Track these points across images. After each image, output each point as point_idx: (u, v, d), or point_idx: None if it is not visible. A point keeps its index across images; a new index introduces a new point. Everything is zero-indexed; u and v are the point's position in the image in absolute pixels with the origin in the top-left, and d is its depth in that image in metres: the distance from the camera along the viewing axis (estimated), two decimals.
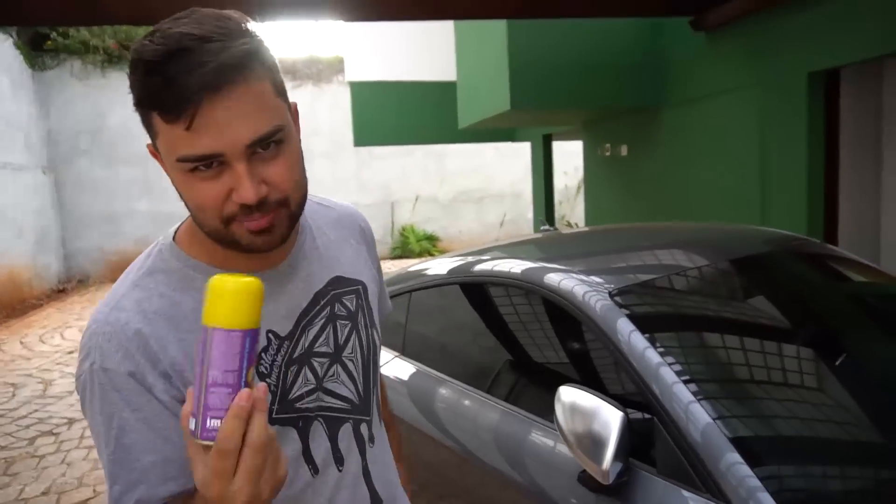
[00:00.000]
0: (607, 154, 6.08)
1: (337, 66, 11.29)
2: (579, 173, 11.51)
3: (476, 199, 12.84)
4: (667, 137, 5.20)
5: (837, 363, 1.66)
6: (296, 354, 0.83)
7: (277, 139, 0.71)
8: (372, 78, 7.86)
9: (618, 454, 1.14)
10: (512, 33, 4.89)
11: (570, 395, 1.26)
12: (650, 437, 1.22)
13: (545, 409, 1.44)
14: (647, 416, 1.26)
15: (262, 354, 0.79)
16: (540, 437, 1.49)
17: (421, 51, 7.68)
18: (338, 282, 0.90)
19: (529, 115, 5.86)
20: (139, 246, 10.81)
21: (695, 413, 1.20)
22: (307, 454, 0.84)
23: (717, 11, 4.30)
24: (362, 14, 4.18)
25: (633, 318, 1.41)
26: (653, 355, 1.32)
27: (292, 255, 0.86)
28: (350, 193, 11.77)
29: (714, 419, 1.18)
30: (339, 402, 0.88)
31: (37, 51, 9.86)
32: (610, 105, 5.30)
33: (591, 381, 1.38)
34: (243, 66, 0.67)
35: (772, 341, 1.59)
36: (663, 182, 5.29)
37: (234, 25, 0.69)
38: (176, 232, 0.83)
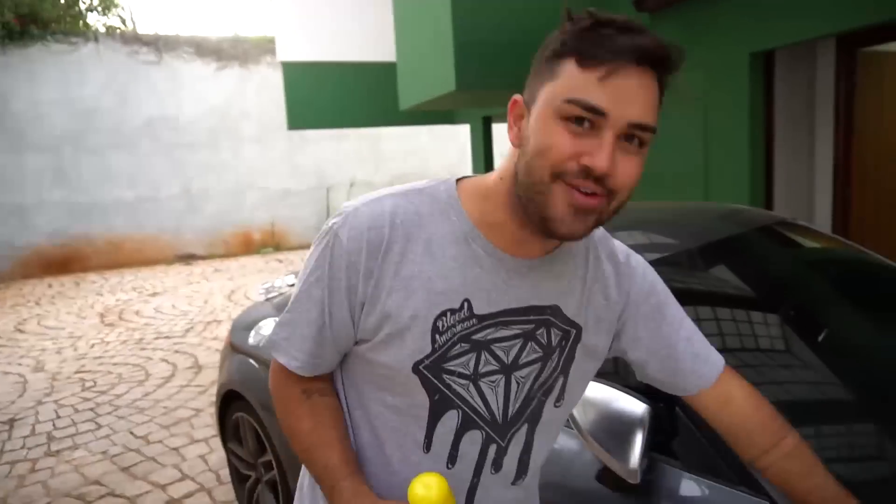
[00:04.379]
0: None
1: (265, 47, 10.80)
2: None
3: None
4: None
5: (820, 339, 1.67)
6: (475, 337, 0.82)
7: (645, 140, 0.73)
8: (304, 58, 7.53)
9: (644, 450, 1.06)
10: (456, 12, 4.76)
11: None
12: (672, 427, 1.15)
13: None
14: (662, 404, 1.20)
15: (448, 313, 0.80)
16: (559, 439, 1.40)
17: (355, 30, 7.42)
18: (557, 312, 0.86)
19: (472, 97, 5.76)
20: (53, 240, 10.09)
21: None
22: (430, 429, 0.84)
23: None
24: None
25: None
26: None
27: (549, 259, 0.84)
28: (282, 178, 11.35)
29: None
30: (482, 407, 0.85)
31: None
32: None
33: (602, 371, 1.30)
34: (665, 62, 0.72)
35: (774, 320, 1.57)
36: None
37: None
38: (461, 179, 0.86)
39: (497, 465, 0.88)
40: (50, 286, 8.97)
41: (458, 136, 12.19)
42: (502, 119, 7.83)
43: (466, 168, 11.66)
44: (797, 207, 4.23)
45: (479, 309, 0.81)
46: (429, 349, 0.80)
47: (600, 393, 1.14)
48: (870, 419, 1.39)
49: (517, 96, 0.79)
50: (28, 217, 9.79)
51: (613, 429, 1.09)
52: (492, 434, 0.86)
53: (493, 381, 0.84)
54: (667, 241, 1.82)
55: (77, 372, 4.94)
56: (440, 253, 0.80)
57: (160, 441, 3.55)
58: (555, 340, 0.86)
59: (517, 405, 0.86)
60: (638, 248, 1.74)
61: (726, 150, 4.12)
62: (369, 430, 0.87)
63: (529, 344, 0.84)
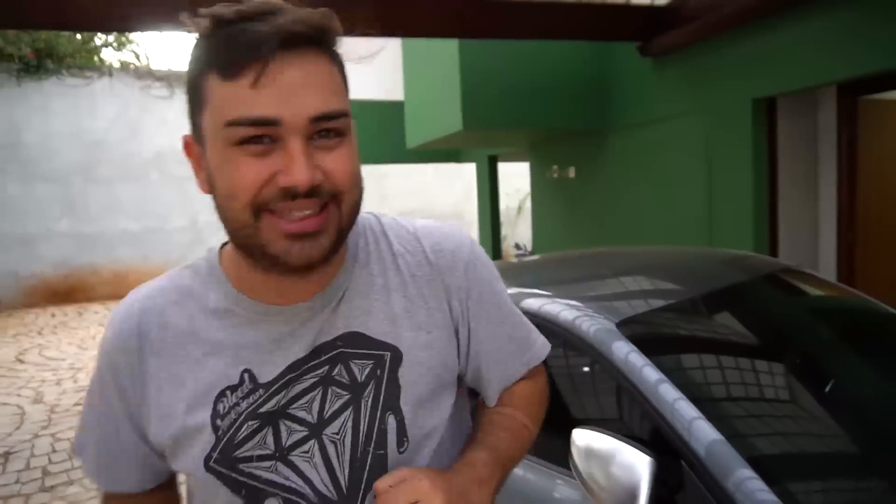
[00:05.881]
0: (555, 176, 6.12)
1: None
2: (520, 194, 11.62)
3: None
4: (615, 160, 5.27)
5: (827, 389, 1.65)
6: (263, 409, 0.68)
7: (341, 129, 0.63)
8: None
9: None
10: (464, 54, 4.87)
11: (584, 439, 1.16)
12: (676, 481, 1.14)
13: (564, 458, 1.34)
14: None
15: (227, 392, 0.68)
16: (560, 489, 1.38)
17: (363, 70, 7.58)
18: (354, 339, 0.71)
19: (478, 136, 5.84)
20: (58, 270, 10.13)
21: (722, 454, 1.12)
22: None
23: (664, 38, 4.42)
24: None
25: (644, 349, 1.33)
26: (669, 390, 1.24)
27: (324, 293, 0.71)
28: None
29: (746, 459, 1.11)
30: (303, 487, 0.69)
31: None
32: (559, 127, 5.34)
33: (609, 422, 1.30)
34: (324, 33, 0.62)
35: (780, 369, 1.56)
36: (611, 204, 5.35)
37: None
38: (224, 246, 0.75)
39: None
40: (53, 316, 8.97)
41: (464, 174, 12.30)
42: (508, 158, 7.91)
43: (472, 206, 11.73)
44: (802, 254, 4.23)
45: (264, 375, 0.69)
46: (213, 439, 0.68)
47: (603, 444, 1.13)
48: (877, 472, 1.37)
49: (188, 137, 0.67)
50: (34, 247, 9.84)
51: (616, 482, 1.07)
52: None
53: (306, 452, 0.69)
54: (672, 287, 1.82)
55: (76, 404, 4.90)
56: (205, 328, 0.70)
57: None
58: (361, 373, 0.70)
59: (347, 471, 0.69)
60: (641, 295, 1.75)
61: (730, 196, 4.14)
62: None
63: (330, 389, 0.69)
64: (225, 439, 0.68)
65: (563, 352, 1.60)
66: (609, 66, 5.19)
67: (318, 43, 0.61)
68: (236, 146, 0.59)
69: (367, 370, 0.70)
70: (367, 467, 0.70)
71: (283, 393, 0.68)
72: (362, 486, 0.70)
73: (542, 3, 4.21)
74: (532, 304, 1.63)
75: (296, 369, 0.69)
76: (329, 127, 0.61)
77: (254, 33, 0.57)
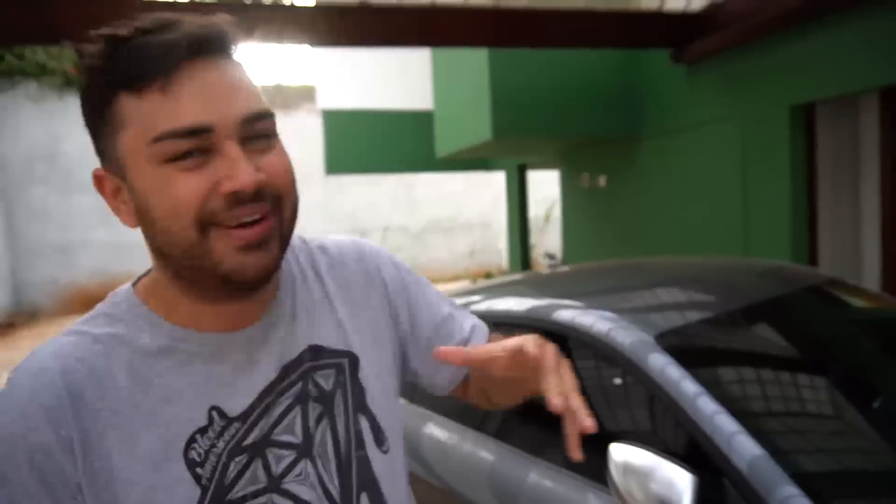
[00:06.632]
0: (586, 185, 6.07)
1: (305, 95, 11.18)
2: (548, 202, 11.55)
3: (445, 228, 12.75)
4: (647, 168, 5.20)
5: (875, 404, 1.58)
6: (248, 441, 0.65)
7: (271, 130, 0.62)
8: (344, 106, 7.77)
9: None
10: (493, 63, 4.86)
11: (622, 454, 1.12)
12: (719, 499, 1.10)
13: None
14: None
15: (197, 437, 0.62)
16: (591, 502, 1.35)
17: (394, 79, 7.64)
18: (316, 352, 0.71)
19: (508, 145, 5.82)
20: (95, 278, 10.38)
21: (766, 470, 1.08)
22: None
23: (698, 45, 4.35)
24: (331, 39, 4.07)
25: (683, 363, 1.29)
26: (707, 403, 1.20)
27: (271, 313, 0.70)
28: (317, 223, 11.54)
29: (791, 474, 1.06)
30: None
31: None
32: (590, 135, 5.30)
33: (645, 435, 1.26)
34: (231, 40, 0.61)
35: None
36: (644, 213, 5.28)
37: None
38: (137, 281, 0.70)
39: None
40: None
41: (493, 182, 12.29)
42: (538, 166, 7.87)
43: (501, 215, 11.71)
44: (843, 264, 4.10)
45: (234, 409, 0.65)
46: (197, 493, 0.61)
47: (642, 460, 1.09)
48: None
49: (98, 171, 0.63)
50: (72, 255, 10.12)
51: (656, 499, 1.04)
52: None
53: (299, 475, 0.67)
54: (710, 299, 1.77)
55: None
56: (150, 373, 0.63)
57: None
58: (328, 383, 0.71)
59: (336, 482, 0.68)
60: (679, 307, 1.70)
61: (767, 205, 4.04)
62: None
63: (308, 404, 0.69)
64: (213, 487, 0.62)
65: (596, 364, 1.56)
66: (641, 73, 5.13)
67: (226, 50, 0.61)
68: (167, 163, 0.57)
69: (332, 379, 0.71)
70: (354, 471, 0.70)
71: (263, 420, 0.66)
72: (353, 491, 0.70)
73: (574, 12, 4.19)
74: (565, 315, 1.60)
75: (269, 393, 0.67)
76: (259, 128, 0.60)
77: (162, 41, 0.56)
